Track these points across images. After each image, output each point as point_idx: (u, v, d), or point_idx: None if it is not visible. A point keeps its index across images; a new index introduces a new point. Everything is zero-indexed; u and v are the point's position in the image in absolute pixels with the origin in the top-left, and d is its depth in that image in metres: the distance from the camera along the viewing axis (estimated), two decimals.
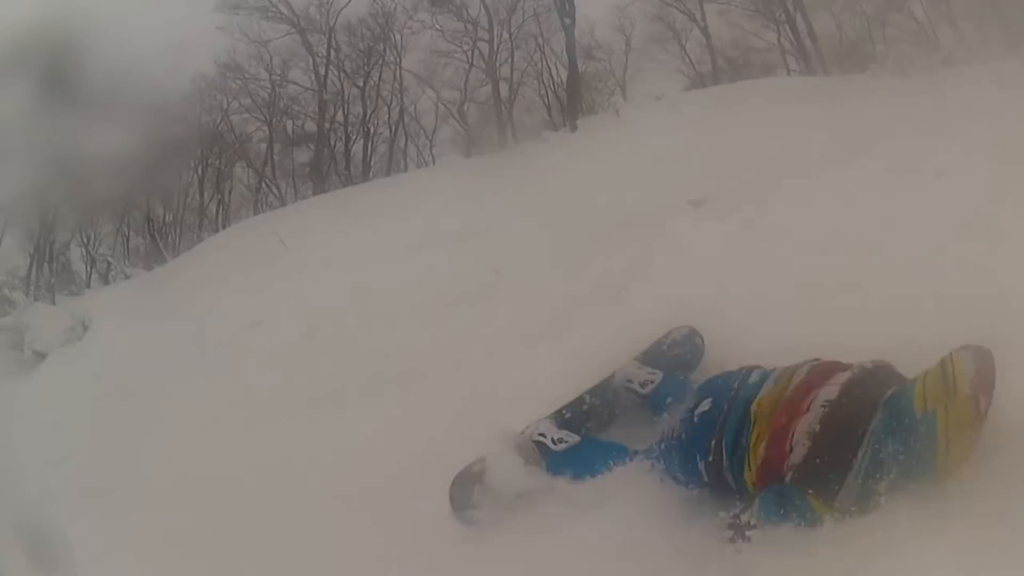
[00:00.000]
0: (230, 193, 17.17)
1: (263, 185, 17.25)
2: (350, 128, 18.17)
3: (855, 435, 2.11)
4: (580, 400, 3.20)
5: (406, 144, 18.51)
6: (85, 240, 15.48)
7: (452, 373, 3.62)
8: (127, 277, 11.22)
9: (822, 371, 2.39)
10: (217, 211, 16.64)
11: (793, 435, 2.23)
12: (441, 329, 4.16)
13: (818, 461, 2.12)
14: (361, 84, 17.87)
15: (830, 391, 2.26)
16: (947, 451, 1.96)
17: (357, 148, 18.25)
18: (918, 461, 1.98)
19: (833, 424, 2.17)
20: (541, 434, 3.05)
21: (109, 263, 14.63)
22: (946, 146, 3.87)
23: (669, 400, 2.94)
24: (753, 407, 2.39)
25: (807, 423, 2.22)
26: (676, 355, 3.30)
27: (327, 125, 17.69)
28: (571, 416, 3.14)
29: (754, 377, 2.54)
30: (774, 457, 2.26)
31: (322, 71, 17.44)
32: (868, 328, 2.56)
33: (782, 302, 2.98)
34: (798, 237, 3.31)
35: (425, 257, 5.60)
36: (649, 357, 3.29)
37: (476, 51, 16.62)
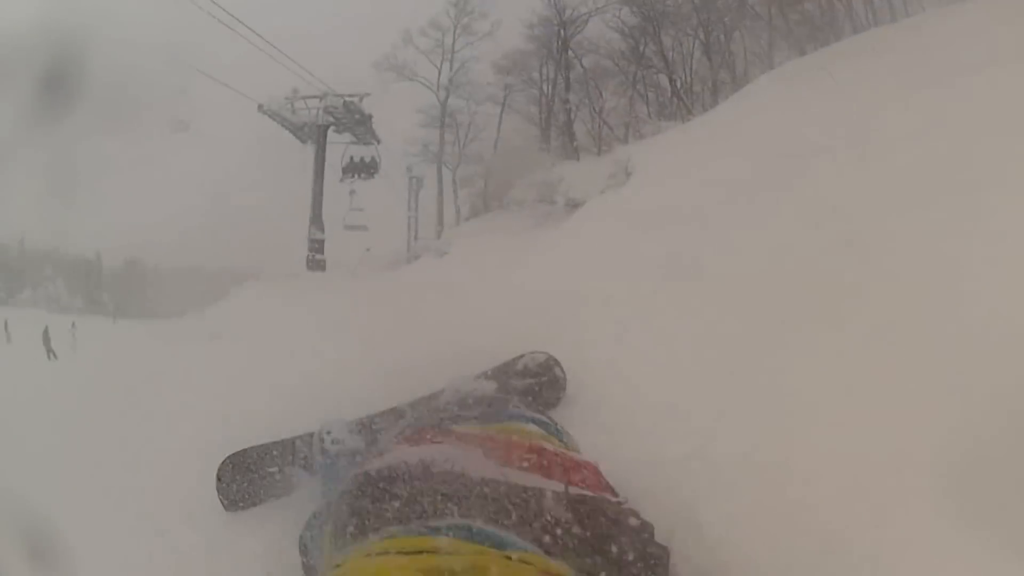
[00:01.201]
0: (744, 55, 17.10)
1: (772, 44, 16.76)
2: None
3: None
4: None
5: None
6: (597, 110, 16.89)
7: None
8: (659, 132, 11.59)
9: None
10: (731, 75, 16.71)
11: None
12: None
13: None
14: None
15: None
16: None
17: None
18: None
19: None
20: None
21: (634, 119, 15.39)
22: None
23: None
24: None
25: None
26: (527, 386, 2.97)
27: None
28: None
29: None
30: None
31: None
32: None
33: None
34: None
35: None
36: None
37: None
